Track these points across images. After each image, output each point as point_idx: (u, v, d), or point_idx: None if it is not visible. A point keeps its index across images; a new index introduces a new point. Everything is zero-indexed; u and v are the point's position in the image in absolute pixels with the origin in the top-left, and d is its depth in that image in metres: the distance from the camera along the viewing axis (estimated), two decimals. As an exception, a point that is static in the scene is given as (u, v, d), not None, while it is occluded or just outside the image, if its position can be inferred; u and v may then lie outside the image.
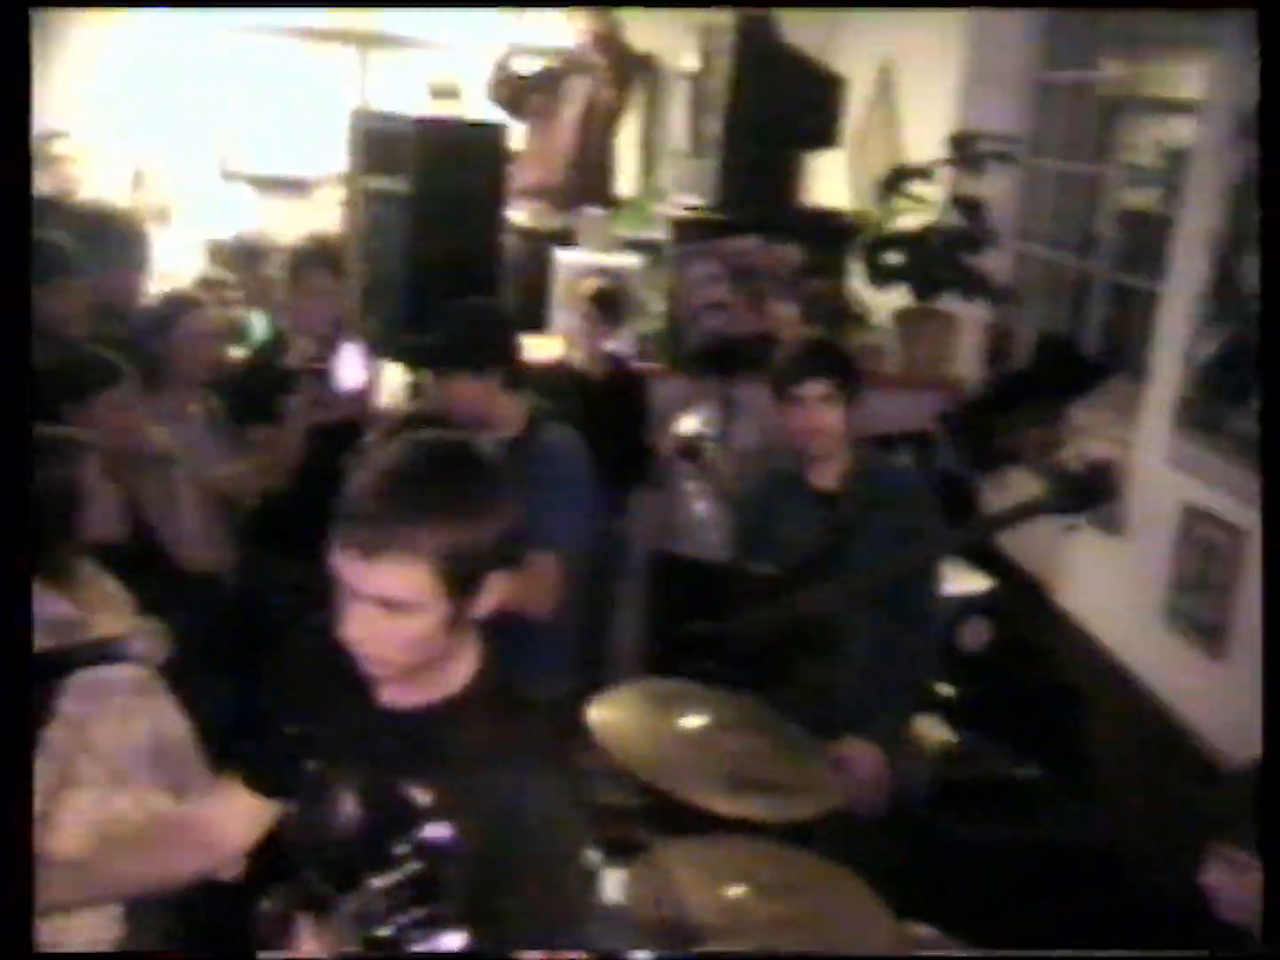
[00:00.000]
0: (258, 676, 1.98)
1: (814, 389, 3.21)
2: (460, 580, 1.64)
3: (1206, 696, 3.51)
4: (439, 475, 1.68)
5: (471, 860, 1.68)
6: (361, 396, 4.24)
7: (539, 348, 5.09)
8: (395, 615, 1.63)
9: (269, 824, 1.97)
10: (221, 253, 6.28)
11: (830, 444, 3.27)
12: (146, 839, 2.13)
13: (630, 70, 6.58)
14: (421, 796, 1.71)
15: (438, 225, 4.38)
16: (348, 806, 1.80)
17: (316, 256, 4.32)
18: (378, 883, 1.74)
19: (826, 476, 3.32)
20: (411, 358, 4.31)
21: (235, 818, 1.98)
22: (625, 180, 7.09)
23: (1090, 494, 3.22)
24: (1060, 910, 3.45)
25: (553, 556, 3.17)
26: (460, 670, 1.77)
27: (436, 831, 1.69)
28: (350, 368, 3.95)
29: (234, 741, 3.00)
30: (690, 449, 4.74)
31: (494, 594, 1.70)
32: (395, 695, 1.78)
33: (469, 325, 3.38)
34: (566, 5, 6.03)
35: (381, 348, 4.43)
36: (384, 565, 1.60)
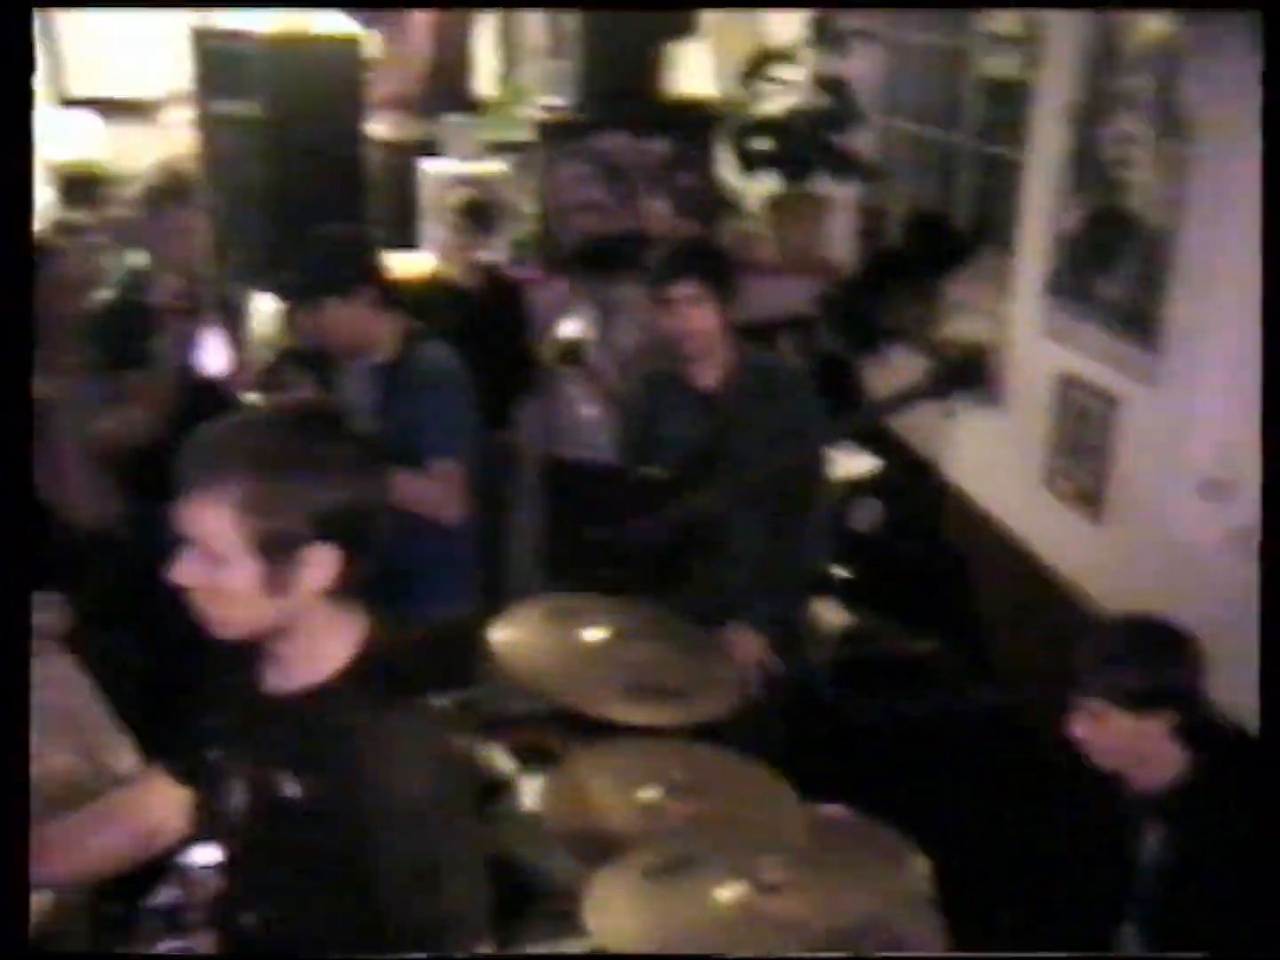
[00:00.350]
0: (160, 633, 1.95)
1: (684, 290, 3.19)
2: (270, 540, 1.59)
3: (1088, 558, 3.62)
4: (263, 429, 1.66)
5: (340, 857, 1.63)
6: (229, 378, 4.10)
7: (410, 264, 5.00)
8: (210, 566, 1.61)
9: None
10: (72, 189, 6.04)
11: (704, 344, 3.26)
12: (85, 823, 2.09)
13: None
14: (290, 789, 1.68)
15: (294, 149, 4.26)
16: (236, 798, 1.77)
17: (169, 190, 4.16)
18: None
19: (707, 375, 3.32)
20: (278, 290, 4.20)
21: (168, 804, 1.95)
22: (486, 83, 6.94)
23: (965, 379, 3.28)
24: (960, 775, 3.57)
25: (451, 463, 3.19)
26: (331, 653, 1.71)
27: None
28: (212, 354, 3.82)
29: (144, 700, 2.99)
30: (571, 354, 4.72)
31: (321, 570, 1.63)
32: (276, 680, 1.74)
33: (331, 251, 3.31)
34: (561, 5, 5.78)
35: (247, 280, 4.32)
36: (194, 506, 1.60)
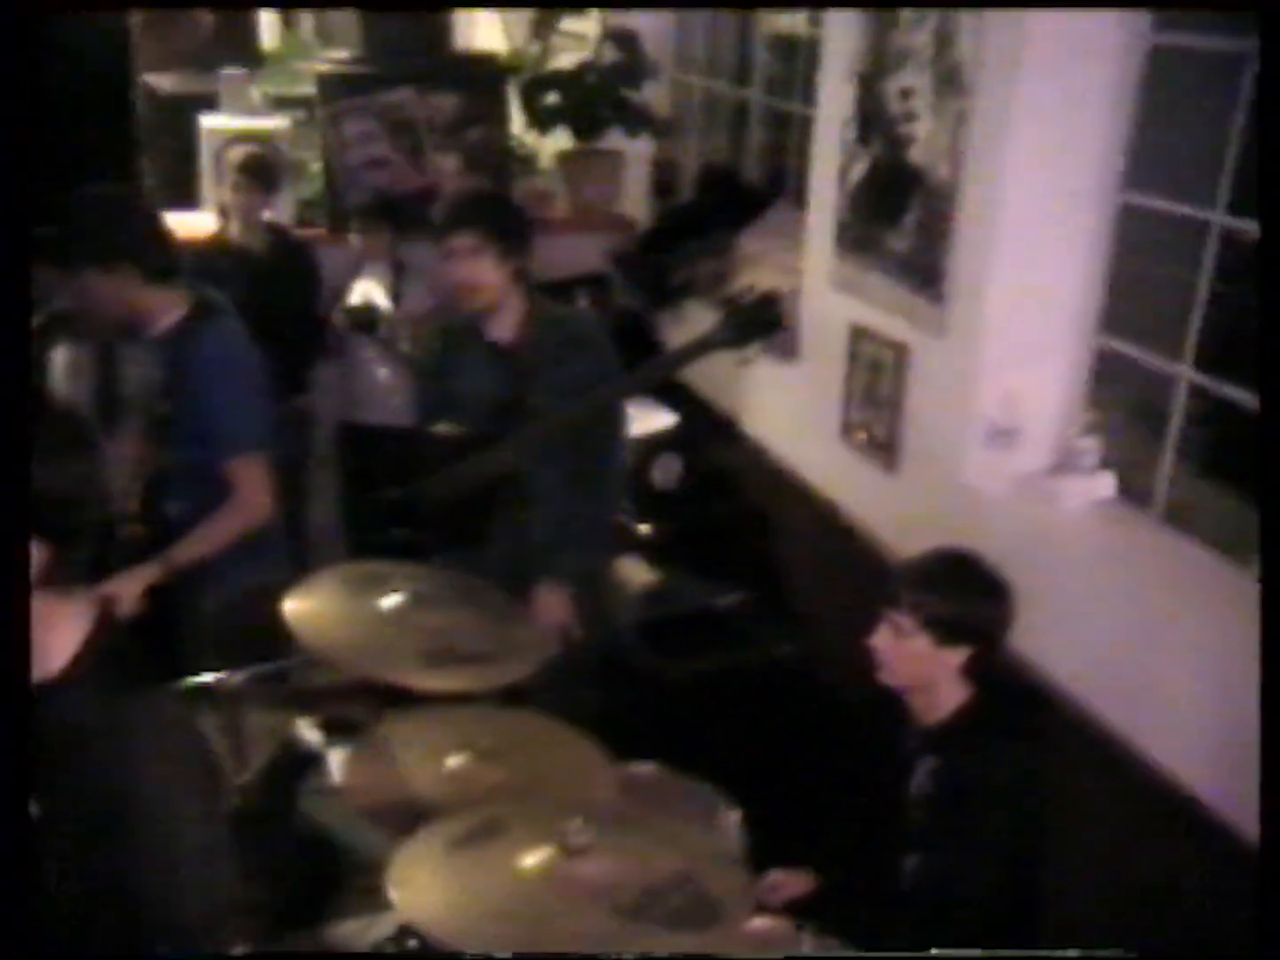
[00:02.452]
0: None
1: (463, 241, 3.13)
2: None
3: (884, 507, 3.69)
4: None
5: (88, 866, 1.54)
6: None
7: (191, 225, 4.80)
8: None
9: None
10: None
11: (487, 297, 3.20)
12: None
13: None
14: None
15: (54, 100, 4.01)
16: None
17: None
18: None
19: (503, 329, 3.28)
20: (35, 254, 3.93)
21: None
22: (267, 36, 6.70)
23: (759, 325, 3.30)
24: (767, 726, 3.63)
25: (257, 462, 3.08)
26: (55, 649, 1.60)
27: None
28: None
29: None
30: (362, 320, 4.60)
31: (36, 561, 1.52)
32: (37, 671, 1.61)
33: (92, 216, 3.08)
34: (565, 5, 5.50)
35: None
36: None
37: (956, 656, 2.40)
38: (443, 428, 3.34)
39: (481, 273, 3.15)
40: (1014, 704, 2.50)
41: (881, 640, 2.46)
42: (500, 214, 3.26)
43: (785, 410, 4.28)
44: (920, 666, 2.43)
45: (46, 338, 3.59)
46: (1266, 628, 1.62)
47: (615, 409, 3.40)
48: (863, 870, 2.58)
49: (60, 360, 3.54)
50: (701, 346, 3.37)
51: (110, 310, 3.08)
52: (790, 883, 2.68)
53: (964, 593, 2.42)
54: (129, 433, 3.25)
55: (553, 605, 3.20)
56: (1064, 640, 2.95)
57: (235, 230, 4.73)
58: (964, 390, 3.28)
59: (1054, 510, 3.18)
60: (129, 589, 2.96)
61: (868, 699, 2.74)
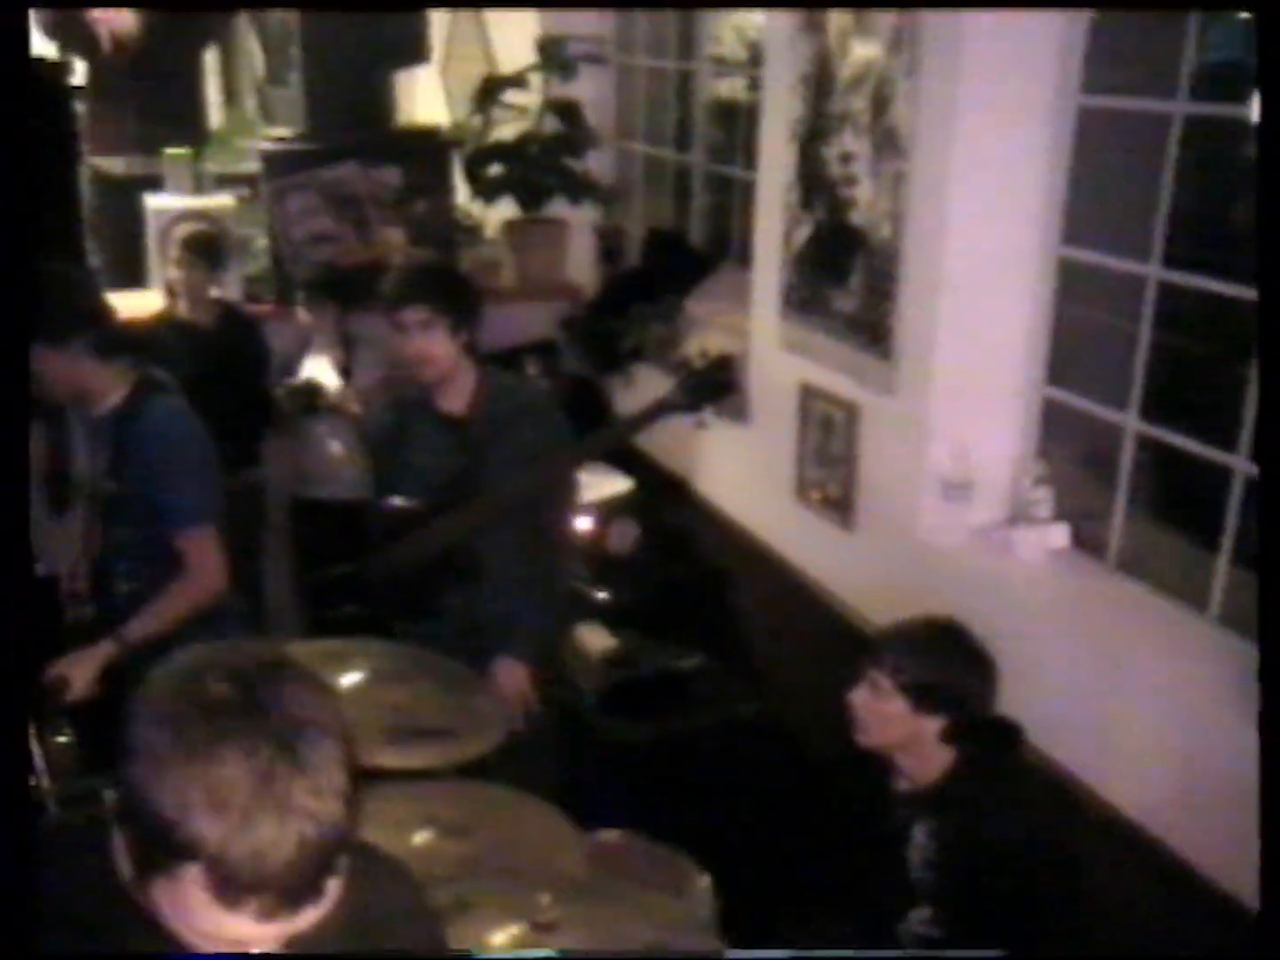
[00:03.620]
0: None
1: (414, 315, 3.14)
2: None
3: (840, 565, 3.71)
4: None
5: None
6: None
7: (138, 303, 4.78)
8: None
9: None
10: None
11: (441, 369, 3.20)
12: None
13: None
14: None
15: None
16: None
17: None
18: None
19: (453, 401, 3.27)
20: None
21: None
22: (209, 112, 6.71)
23: (713, 388, 3.32)
24: (734, 788, 3.61)
25: (207, 534, 3.06)
26: None
27: None
28: None
29: None
30: (301, 400, 4.59)
31: None
32: None
33: (44, 293, 3.08)
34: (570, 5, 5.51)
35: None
36: None
37: (933, 724, 2.41)
38: (395, 501, 3.32)
39: (433, 345, 3.16)
40: (999, 752, 2.51)
41: (859, 697, 2.46)
42: (450, 287, 3.27)
43: (739, 471, 4.30)
44: (896, 729, 2.43)
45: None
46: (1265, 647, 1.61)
47: (567, 478, 3.41)
48: (858, 933, 2.56)
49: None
50: (656, 411, 3.38)
51: (59, 388, 3.07)
52: None
53: (944, 661, 2.43)
54: (77, 512, 3.23)
55: (512, 678, 3.18)
56: (1023, 689, 2.95)
57: (183, 307, 4.72)
58: (916, 446, 3.32)
59: (1009, 561, 3.21)
60: (81, 670, 2.92)
61: (835, 759, 2.74)
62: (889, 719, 2.43)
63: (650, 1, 5.28)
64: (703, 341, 4.43)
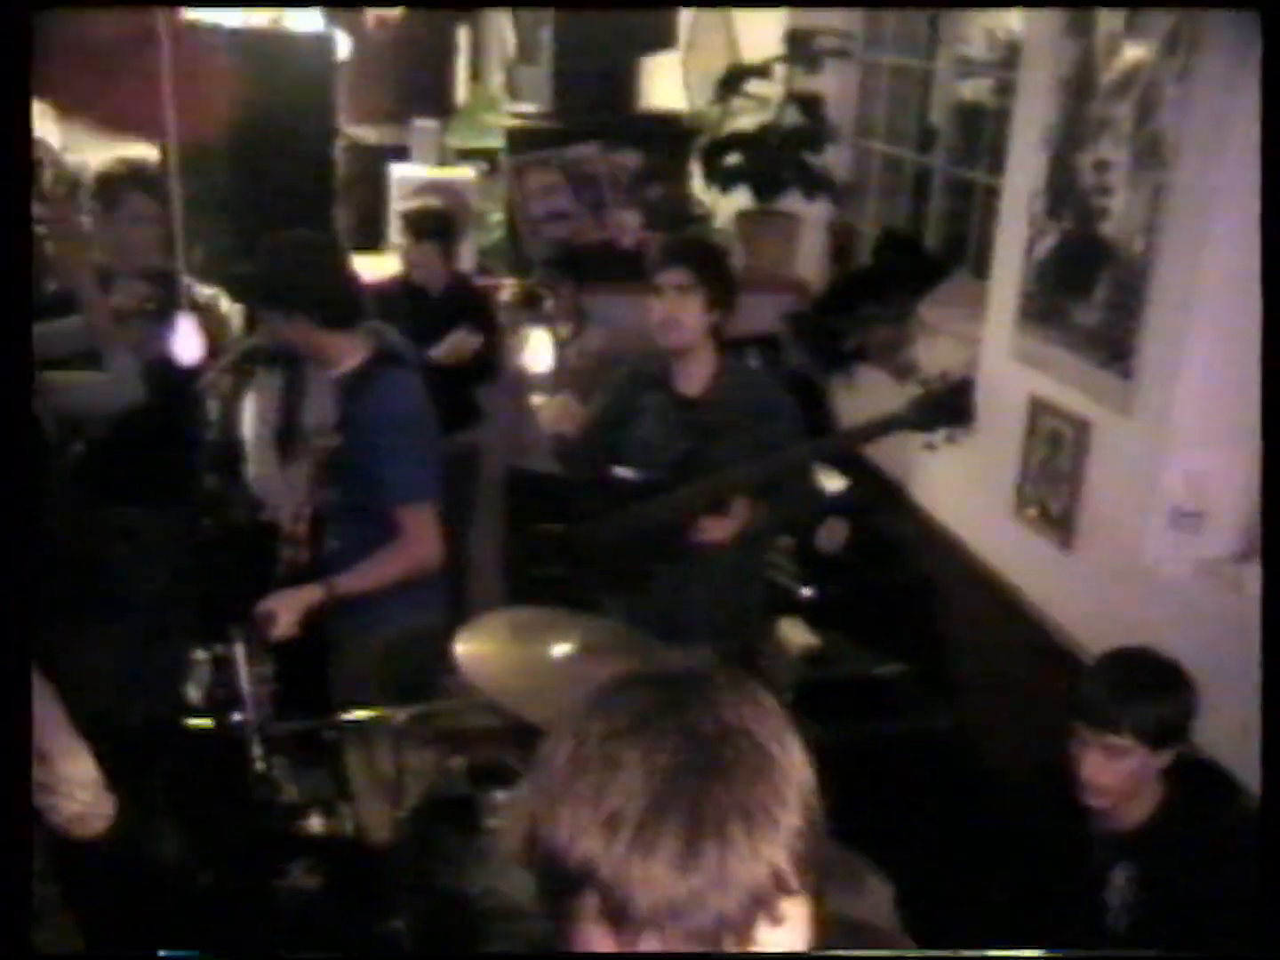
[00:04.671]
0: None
1: (674, 278, 3.18)
2: None
3: (1057, 585, 3.60)
4: None
5: None
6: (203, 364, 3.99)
7: (377, 265, 4.94)
8: None
9: None
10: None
11: (684, 338, 3.23)
12: None
13: None
14: None
15: (260, 144, 4.19)
16: None
17: (130, 178, 4.00)
18: None
19: (690, 380, 3.30)
20: (230, 292, 4.09)
21: None
22: (456, 88, 6.89)
23: (949, 412, 3.24)
24: (921, 800, 3.54)
25: (427, 509, 3.14)
26: None
27: None
28: (185, 342, 3.71)
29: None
30: (530, 297, 4.67)
31: None
32: None
33: (273, 267, 3.20)
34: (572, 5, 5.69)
35: (209, 278, 4.22)
36: None
37: (1164, 760, 2.32)
38: (616, 472, 3.35)
39: (685, 312, 3.19)
40: (1207, 800, 2.40)
41: (1091, 768, 2.34)
42: (714, 263, 3.31)
43: (957, 480, 4.21)
44: (1134, 779, 2.34)
45: (245, 367, 3.73)
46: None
47: (804, 473, 3.40)
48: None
49: (255, 389, 3.67)
50: (888, 425, 3.34)
51: (295, 349, 3.20)
52: None
53: (1166, 693, 2.33)
54: (303, 462, 3.35)
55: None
56: (1243, 730, 2.83)
57: (416, 273, 4.85)
58: (1148, 470, 3.19)
59: (1238, 598, 3.06)
60: (288, 608, 3.04)
61: (1029, 791, 2.66)
62: (1129, 774, 2.32)
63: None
64: (931, 347, 4.35)
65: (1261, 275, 1.64)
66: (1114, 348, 3.27)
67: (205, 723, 2.95)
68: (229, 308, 4.22)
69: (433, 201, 4.96)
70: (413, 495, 3.13)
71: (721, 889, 0.92)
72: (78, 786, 2.57)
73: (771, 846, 0.94)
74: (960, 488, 4.19)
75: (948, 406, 3.24)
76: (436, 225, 4.83)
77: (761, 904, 0.93)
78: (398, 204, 5.30)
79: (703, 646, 3.18)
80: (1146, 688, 2.34)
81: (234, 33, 4.39)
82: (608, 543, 3.37)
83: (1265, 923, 1.44)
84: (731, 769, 0.95)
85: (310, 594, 3.08)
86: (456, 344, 4.53)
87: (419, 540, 3.15)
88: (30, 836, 1.63)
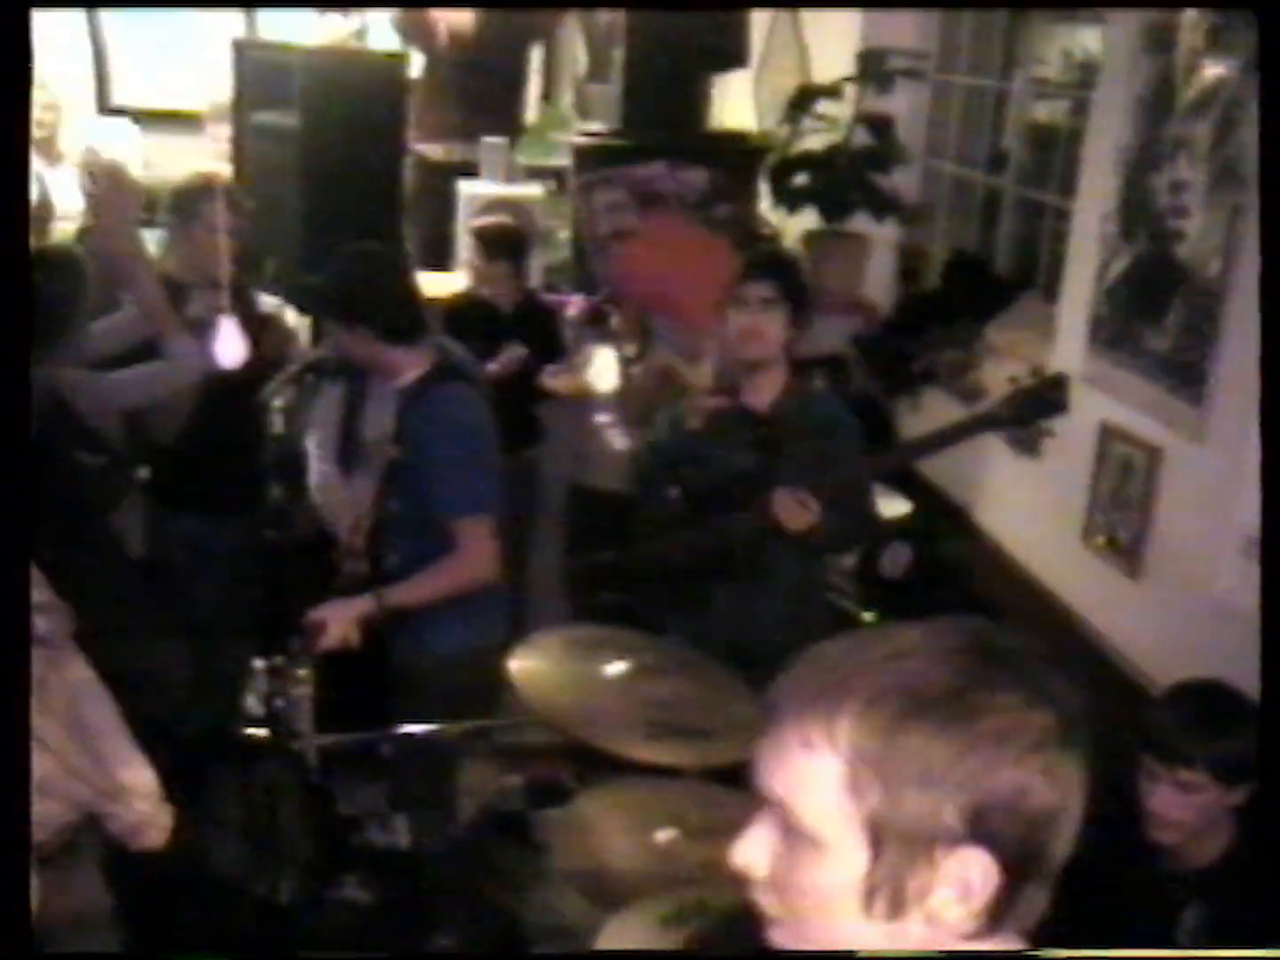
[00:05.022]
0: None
1: (760, 290, 3.16)
2: None
3: (1124, 614, 3.53)
4: None
5: None
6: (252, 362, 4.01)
7: (445, 282, 4.97)
8: None
9: None
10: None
11: (764, 352, 3.21)
12: None
13: None
14: None
15: (329, 160, 4.23)
16: None
17: (207, 190, 4.05)
18: None
19: (760, 397, 3.27)
20: (298, 304, 4.13)
21: None
22: (526, 106, 6.92)
23: (1044, 405, 3.12)
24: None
25: (483, 523, 3.13)
26: None
27: None
28: (228, 345, 3.74)
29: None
30: (596, 315, 4.66)
31: None
32: None
33: (341, 276, 3.23)
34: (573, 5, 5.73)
35: (280, 291, 4.27)
36: None
37: (1239, 796, 2.25)
38: (677, 491, 3.32)
39: (768, 325, 3.17)
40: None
41: (1162, 803, 2.27)
42: (797, 279, 3.30)
43: (1023, 506, 4.15)
44: (1208, 815, 2.27)
45: (309, 379, 3.75)
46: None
47: (867, 486, 3.35)
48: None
49: (318, 401, 3.69)
50: (979, 424, 3.24)
51: (357, 360, 3.22)
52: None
53: (1241, 726, 2.25)
54: (363, 473, 3.37)
55: None
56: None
57: (485, 289, 4.87)
58: (1221, 498, 3.12)
59: (1313, 631, 2.98)
60: (341, 615, 3.04)
61: (1091, 816, 2.58)
62: (1202, 809, 2.25)
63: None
64: (999, 371, 4.29)
65: (1261, 276, 1.60)
66: (1187, 373, 3.21)
67: (262, 734, 2.96)
68: (296, 320, 4.26)
69: (505, 218, 4.97)
70: (469, 508, 3.13)
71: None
72: (137, 797, 2.58)
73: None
74: (1027, 513, 4.13)
75: (1042, 400, 3.12)
76: (509, 242, 4.84)
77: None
78: (466, 221, 5.32)
79: (768, 668, 3.14)
80: (1220, 722, 2.27)
81: (307, 51, 4.44)
82: (669, 565, 3.34)
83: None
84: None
85: (361, 605, 3.08)
86: (504, 361, 4.54)
87: (474, 554, 3.14)
88: (30, 836, 1.63)
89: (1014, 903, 1.08)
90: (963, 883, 1.06)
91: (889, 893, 1.06)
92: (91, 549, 3.35)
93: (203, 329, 3.58)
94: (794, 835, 1.10)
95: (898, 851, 1.05)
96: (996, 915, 1.08)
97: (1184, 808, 2.26)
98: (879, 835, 1.06)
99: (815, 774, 1.08)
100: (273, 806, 2.98)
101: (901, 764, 1.05)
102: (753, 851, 1.13)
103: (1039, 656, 1.15)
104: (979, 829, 1.05)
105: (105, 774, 2.56)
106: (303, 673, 2.84)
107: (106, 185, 3.97)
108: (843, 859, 1.07)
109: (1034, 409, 3.12)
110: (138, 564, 3.57)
